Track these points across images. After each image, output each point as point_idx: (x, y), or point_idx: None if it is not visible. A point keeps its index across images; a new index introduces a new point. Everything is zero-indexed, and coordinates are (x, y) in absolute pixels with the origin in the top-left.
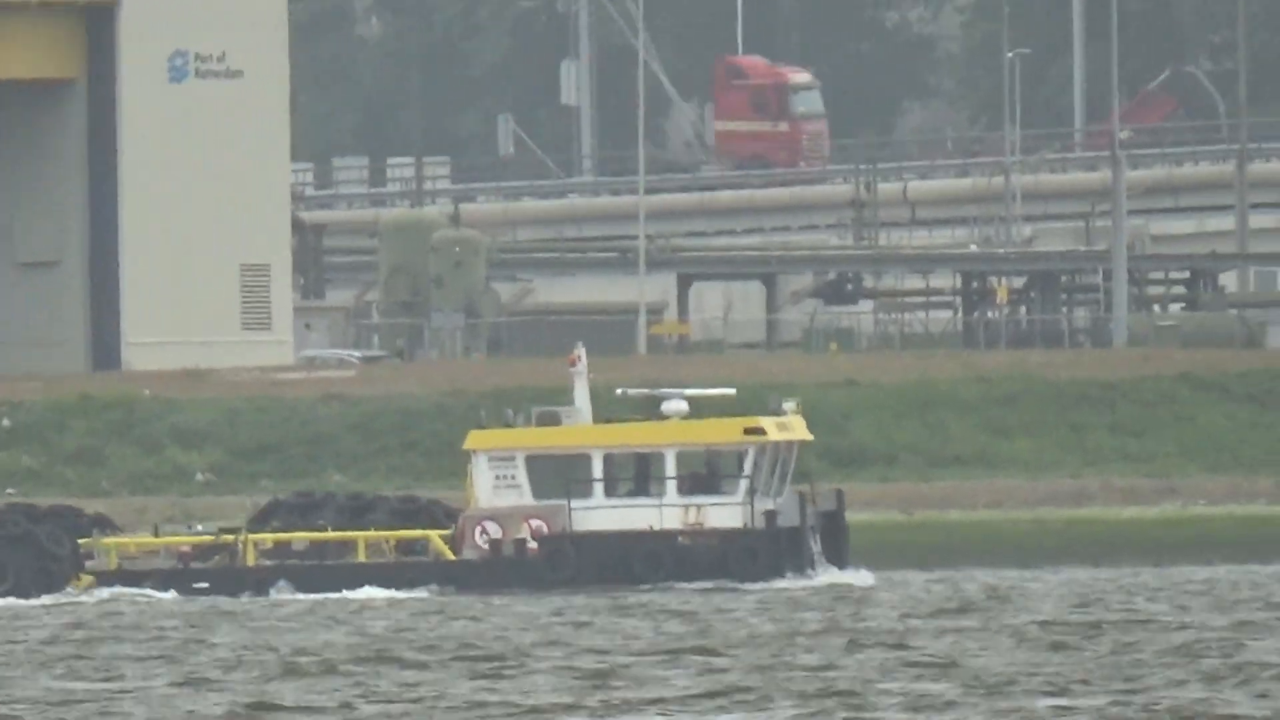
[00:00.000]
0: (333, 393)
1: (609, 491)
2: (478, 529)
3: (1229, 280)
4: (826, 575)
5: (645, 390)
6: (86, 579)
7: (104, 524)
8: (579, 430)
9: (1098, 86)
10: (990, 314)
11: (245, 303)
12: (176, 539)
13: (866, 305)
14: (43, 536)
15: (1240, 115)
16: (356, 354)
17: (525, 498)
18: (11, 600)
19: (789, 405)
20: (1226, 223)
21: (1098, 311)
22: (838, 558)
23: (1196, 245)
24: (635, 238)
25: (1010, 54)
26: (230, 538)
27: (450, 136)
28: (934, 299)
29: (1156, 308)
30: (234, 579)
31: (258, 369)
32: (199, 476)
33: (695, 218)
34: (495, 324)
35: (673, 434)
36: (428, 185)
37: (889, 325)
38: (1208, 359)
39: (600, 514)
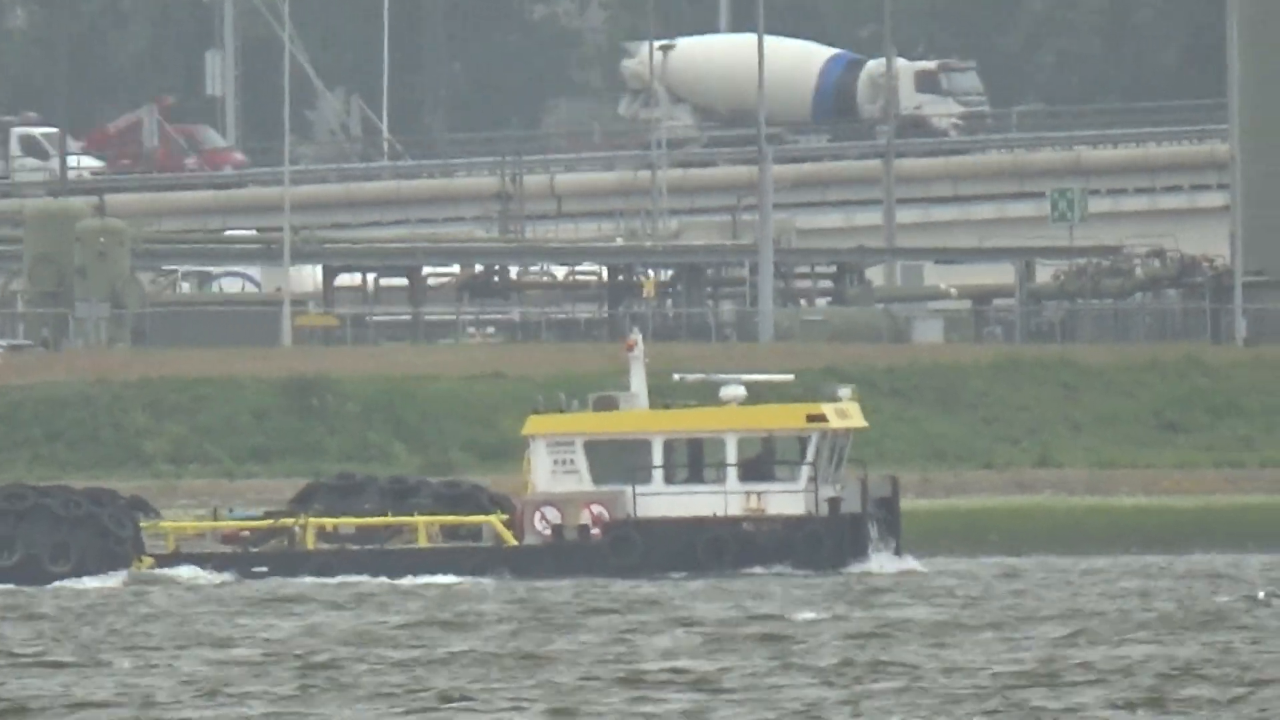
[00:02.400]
0: None
1: (668, 477)
2: (537, 514)
3: (875, 275)
4: (884, 562)
5: (702, 376)
6: (147, 560)
7: (142, 506)
8: (639, 415)
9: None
10: (636, 307)
11: None
12: (235, 523)
13: (512, 297)
14: (105, 518)
15: (888, 109)
16: (1, 343)
17: (584, 483)
18: (73, 581)
19: (844, 392)
20: (873, 218)
21: (744, 305)
22: (892, 545)
23: (843, 240)
24: (280, 229)
25: (655, 45)
26: (290, 521)
27: (95, 127)
28: (580, 291)
29: (803, 302)
30: (294, 562)
31: None
32: None
33: (341, 209)
34: (139, 314)
35: (734, 419)
36: (73, 175)
37: (534, 317)
38: (853, 353)
39: (661, 500)
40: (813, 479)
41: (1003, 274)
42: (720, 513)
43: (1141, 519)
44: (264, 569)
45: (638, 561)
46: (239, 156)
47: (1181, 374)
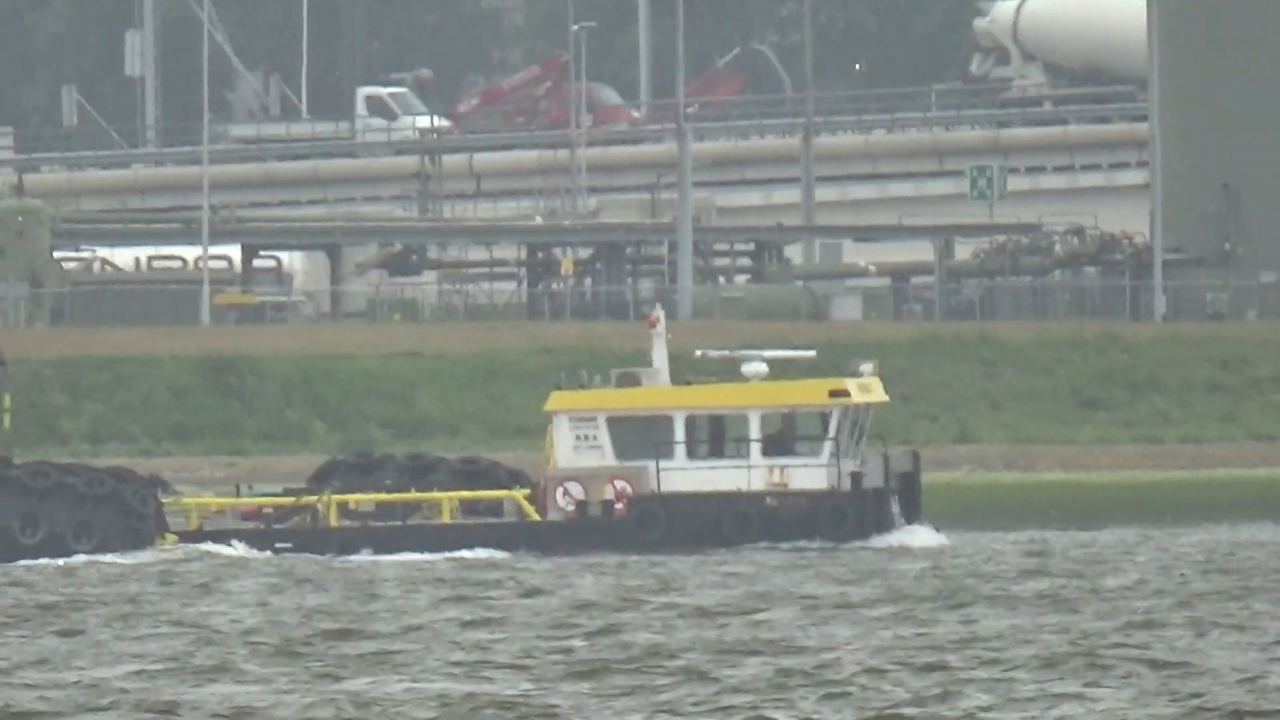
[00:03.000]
0: None
1: (690, 453)
2: (560, 490)
3: (794, 253)
4: (906, 536)
5: (725, 352)
6: (171, 537)
7: (160, 484)
8: (662, 391)
9: (665, 60)
10: (555, 285)
11: None
12: (258, 499)
13: (431, 276)
14: (129, 495)
15: (806, 89)
16: None
17: (607, 459)
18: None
19: (866, 367)
20: (792, 196)
21: (663, 283)
22: (913, 518)
23: (762, 218)
24: (199, 208)
25: (576, 27)
26: (313, 498)
27: (14, 107)
28: (498, 270)
29: (722, 279)
30: (317, 540)
31: None
32: None
33: (260, 188)
34: (58, 294)
35: (756, 395)
36: None
37: (453, 296)
38: (772, 331)
39: (684, 475)
40: (835, 454)
41: (922, 252)
42: (744, 488)
43: (1060, 494)
44: (288, 545)
45: (662, 537)
46: (635, 114)
47: (1100, 351)
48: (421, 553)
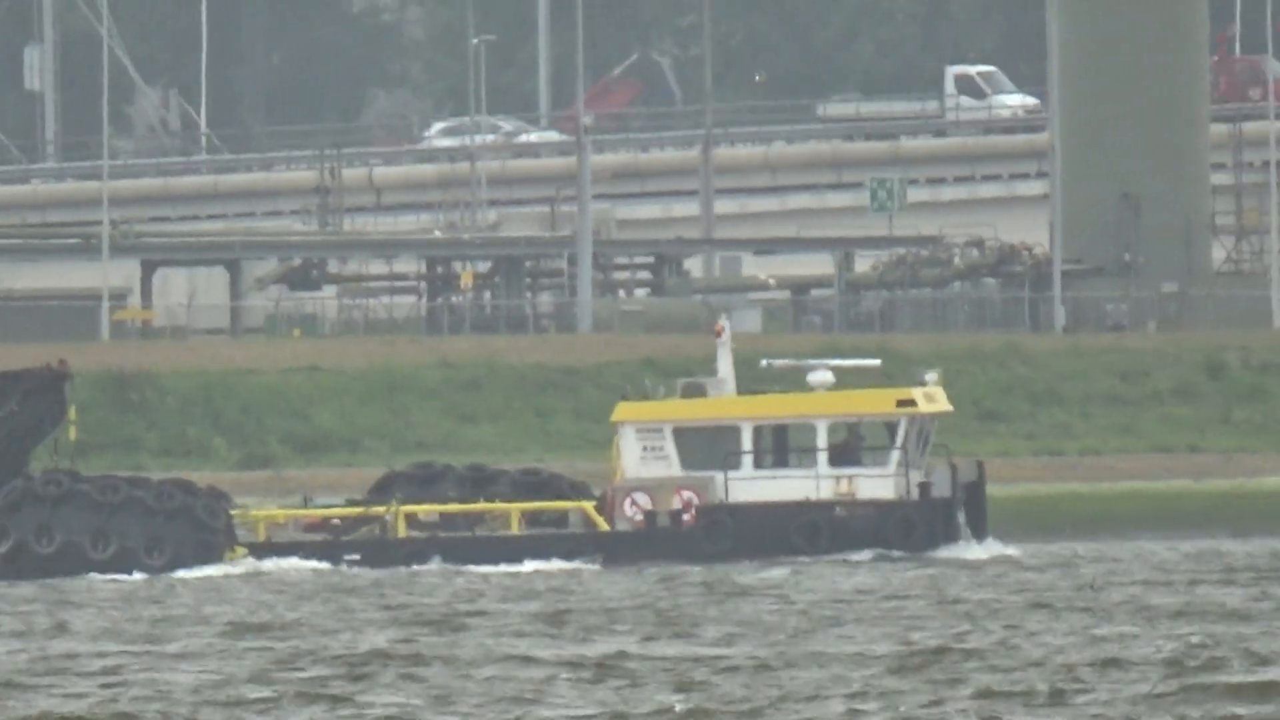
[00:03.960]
0: None
1: (757, 463)
2: (628, 500)
3: (694, 265)
4: (972, 548)
5: (790, 362)
6: (240, 550)
7: (220, 497)
8: (729, 402)
9: (564, 72)
10: (454, 299)
11: None
12: (327, 511)
13: (330, 290)
14: (199, 509)
15: (705, 101)
16: None
17: (674, 469)
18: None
19: (931, 377)
20: (691, 208)
21: (563, 296)
22: (978, 530)
23: (661, 230)
24: (99, 223)
25: (475, 40)
26: (382, 509)
27: None
28: (398, 284)
29: (621, 293)
30: (385, 551)
31: None
32: None
33: (160, 203)
34: None
35: (824, 405)
36: None
37: (353, 311)
38: (672, 344)
39: (751, 485)
40: (903, 463)
41: (821, 264)
42: (812, 498)
43: None
44: (356, 557)
45: (730, 547)
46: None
47: (1000, 363)
48: (490, 564)
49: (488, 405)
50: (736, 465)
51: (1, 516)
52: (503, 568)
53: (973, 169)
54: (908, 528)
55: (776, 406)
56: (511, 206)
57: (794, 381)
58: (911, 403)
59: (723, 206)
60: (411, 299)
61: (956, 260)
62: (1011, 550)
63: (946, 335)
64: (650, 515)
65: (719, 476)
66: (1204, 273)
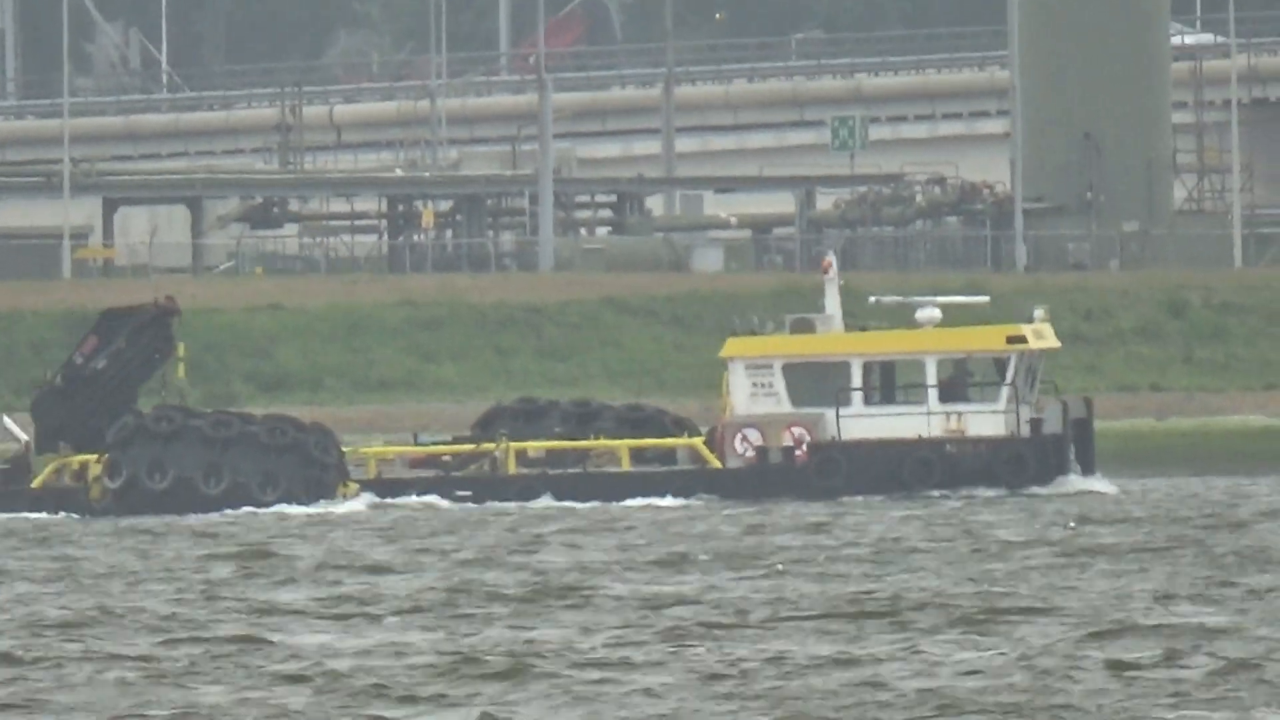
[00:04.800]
0: None
1: (865, 399)
2: (738, 437)
3: (655, 204)
4: (1080, 483)
5: (898, 298)
6: (353, 486)
7: (328, 433)
8: (839, 338)
9: (523, 10)
10: (416, 237)
11: None
12: (437, 448)
13: (292, 229)
14: (312, 445)
15: (666, 38)
16: None
17: (783, 405)
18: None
19: (1039, 313)
20: (652, 147)
21: (524, 235)
22: (1087, 466)
23: (623, 169)
24: (60, 162)
25: None
26: (491, 445)
27: None
28: (359, 223)
29: (583, 231)
30: (496, 487)
31: None
32: None
33: (121, 141)
34: None
35: (933, 341)
36: None
37: (314, 249)
38: (633, 282)
39: (862, 422)
40: (1013, 400)
41: (783, 203)
42: (923, 434)
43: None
44: (467, 493)
45: (842, 484)
46: None
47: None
48: (600, 500)
49: (449, 344)
50: (847, 402)
51: (114, 452)
52: (612, 505)
53: (933, 107)
54: (1020, 464)
55: (887, 343)
56: (472, 145)
57: (896, 318)
58: (1022, 339)
59: (684, 145)
60: (373, 237)
61: (918, 198)
62: (1115, 488)
63: (908, 273)
64: (762, 452)
65: (829, 413)
66: (1165, 212)
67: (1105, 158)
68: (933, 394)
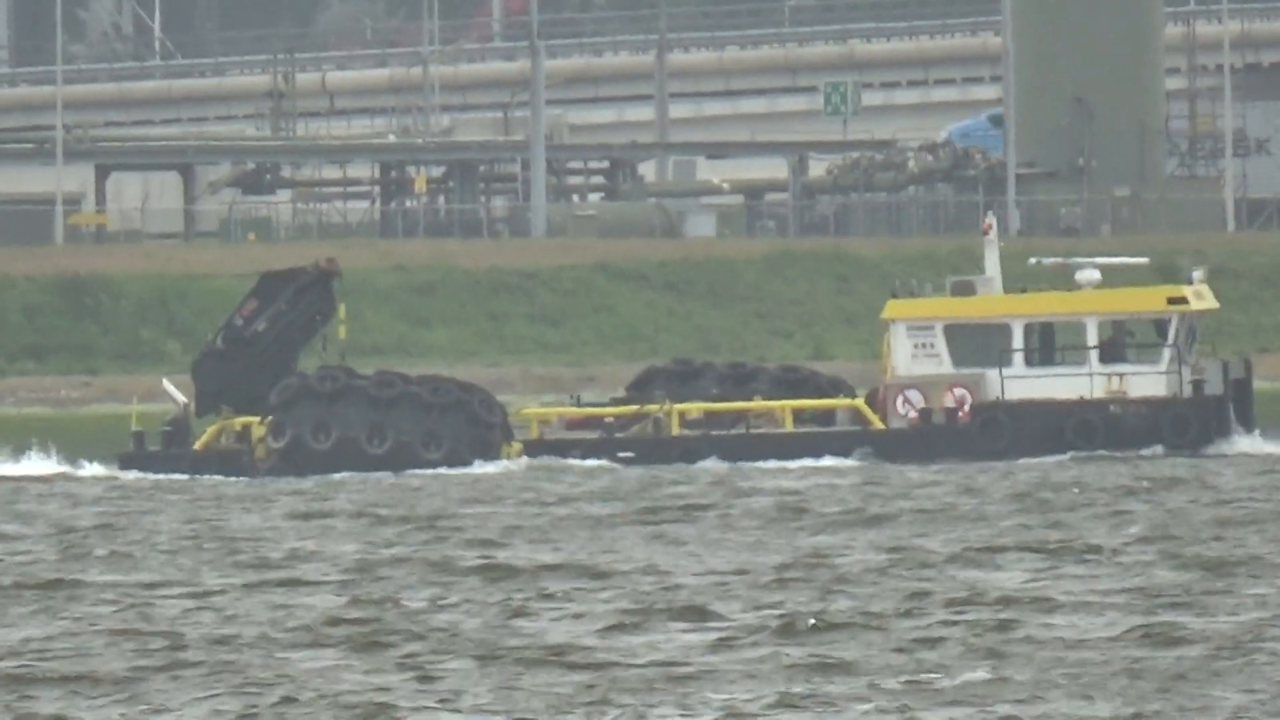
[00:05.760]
0: None
1: (1026, 360)
2: (900, 398)
3: (648, 170)
4: (1242, 443)
5: (1059, 260)
6: (517, 446)
7: (490, 394)
8: (1000, 299)
9: None
10: (408, 203)
11: None
12: (601, 409)
13: (285, 195)
14: (476, 404)
15: (659, 5)
16: None
17: (944, 366)
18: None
19: (1198, 274)
20: (645, 113)
21: (516, 201)
22: (1247, 425)
23: (616, 135)
24: (53, 128)
25: None
26: (655, 407)
27: None
28: (352, 189)
29: (575, 197)
30: (660, 449)
31: None
32: None
33: (114, 108)
34: None
35: (1094, 303)
36: None
37: (307, 215)
38: (626, 248)
39: (1024, 383)
40: (1174, 360)
41: (775, 168)
42: (1085, 396)
43: None
44: (630, 454)
45: (1006, 445)
46: None
47: (955, 267)
48: (764, 460)
49: (441, 309)
50: (1009, 363)
51: (278, 413)
52: (774, 464)
53: (926, 73)
54: (1182, 425)
55: (1047, 304)
56: (465, 111)
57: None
58: (1183, 300)
59: (677, 111)
60: (365, 204)
61: (911, 164)
62: (1276, 448)
63: (901, 239)
64: (925, 413)
65: (990, 374)
66: (1157, 177)
67: (1097, 123)
68: (1093, 355)
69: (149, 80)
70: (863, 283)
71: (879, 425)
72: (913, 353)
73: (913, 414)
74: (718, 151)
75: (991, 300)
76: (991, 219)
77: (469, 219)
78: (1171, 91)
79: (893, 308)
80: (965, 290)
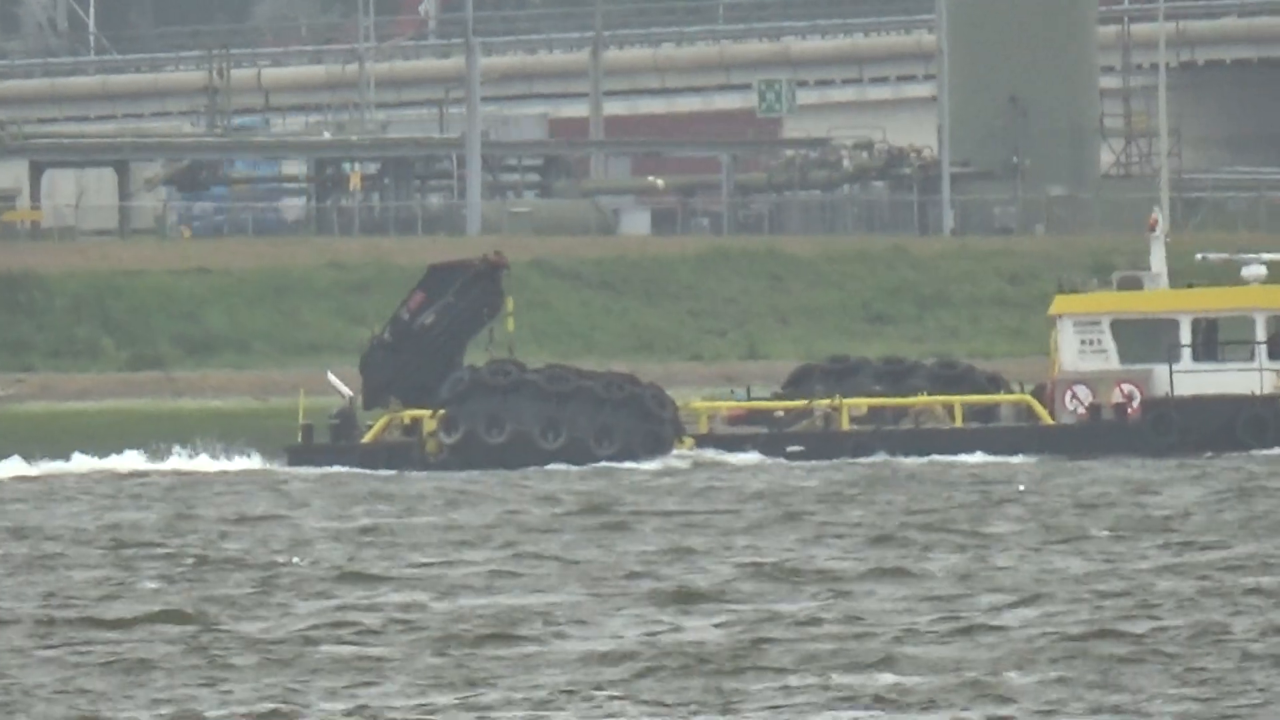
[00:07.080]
0: None
1: (1194, 356)
2: (1068, 393)
3: (582, 168)
4: None
5: (1224, 255)
6: (688, 441)
7: (661, 390)
8: (1168, 295)
9: None
10: (343, 200)
11: None
12: (771, 404)
13: (219, 192)
14: (648, 399)
15: (594, 2)
16: None
17: (1112, 362)
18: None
19: None
20: (581, 110)
21: (452, 198)
22: None
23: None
24: None
25: None
26: (824, 402)
27: None
28: (287, 186)
29: (510, 194)
30: (831, 444)
31: None
32: None
33: (48, 104)
34: None
35: (1263, 298)
36: None
37: (241, 213)
38: (561, 245)
39: (1192, 378)
40: None
41: (710, 167)
42: (1255, 391)
43: None
44: (800, 449)
45: (1176, 440)
46: None
47: (889, 265)
48: (933, 455)
49: (377, 306)
50: (1178, 358)
51: (451, 407)
52: (939, 460)
53: (861, 71)
54: None
55: (1215, 300)
56: (400, 108)
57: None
58: None
59: (612, 108)
60: (300, 200)
61: (845, 163)
62: None
63: (835, 238)
64: (1094, 408)
65: (1159, 370)
66: (1092, 176)
67: (1031, 122)
68: (1261, 350)
69: (84, 76)
70: (797, 281)
71: (1048, 420)
72: (1080, 348)
73: (1081, 409)
74: (653, 149)
75: (1160, 295)
76: (1157, 214)
77: (404, 216)
78: (1106, 90)
79: (1060, 303)
80: (1132, 285)
